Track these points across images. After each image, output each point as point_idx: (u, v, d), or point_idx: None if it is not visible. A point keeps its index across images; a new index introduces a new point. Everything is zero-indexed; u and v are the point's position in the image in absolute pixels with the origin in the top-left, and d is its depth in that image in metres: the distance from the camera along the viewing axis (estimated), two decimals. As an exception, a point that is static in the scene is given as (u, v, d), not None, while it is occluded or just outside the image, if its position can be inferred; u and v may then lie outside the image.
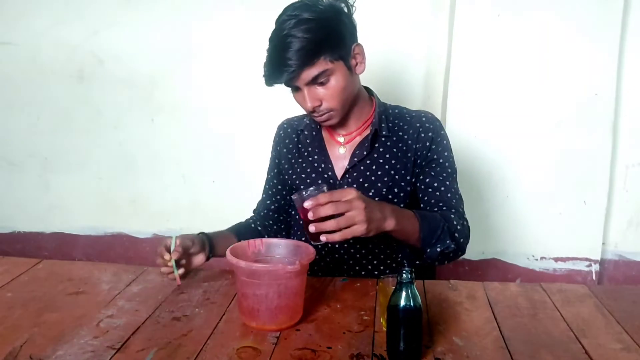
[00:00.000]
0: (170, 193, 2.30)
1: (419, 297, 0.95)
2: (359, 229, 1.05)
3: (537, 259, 2.04)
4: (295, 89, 1.26)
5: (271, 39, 1.22)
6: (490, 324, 1.10)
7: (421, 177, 1.35)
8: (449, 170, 1.36)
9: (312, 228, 1.04)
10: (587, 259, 2.01)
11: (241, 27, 2.11)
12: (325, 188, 1.09)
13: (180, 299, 1.20)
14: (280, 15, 1.22)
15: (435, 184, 1.34)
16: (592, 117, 1.92)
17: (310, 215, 1.04)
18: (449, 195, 1.33)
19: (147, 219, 2.33)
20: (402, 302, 0.94)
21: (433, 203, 1.33)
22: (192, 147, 2.26)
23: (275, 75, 1.21)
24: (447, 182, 1.34)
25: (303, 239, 1.43)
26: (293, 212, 1.52)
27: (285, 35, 1.17)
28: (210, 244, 1.35)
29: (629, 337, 1.06)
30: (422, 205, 1.35)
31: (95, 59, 2.23)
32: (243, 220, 1.55)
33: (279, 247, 1.19)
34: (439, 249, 1.23)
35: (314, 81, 1.22)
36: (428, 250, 1.23)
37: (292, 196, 1.11)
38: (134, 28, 2.19)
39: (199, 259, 1.32)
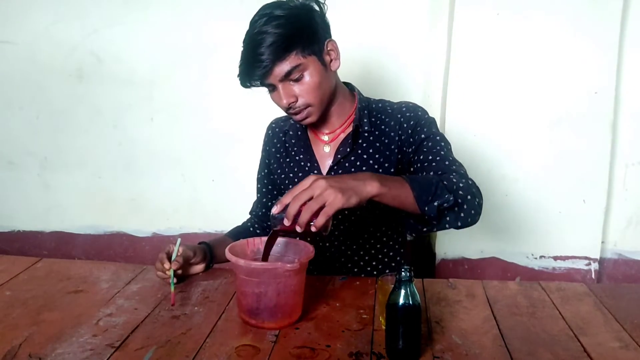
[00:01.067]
0: (169, 192, 2.30)
1: (417, 295, 0.95)
2: (335, 201, 0.98)
3: (536, 258, 2.04)
4: (271, 89, 1.26)
5: (244, 39, 1.23)
6: (489, 323, 1.10)
7: (416, 158, 1.31)
8: (442, 144, 1.30)
9: (298, 229, 1.00)
10: (586, 258, 2.01)
11: (241, 27, 2.10)
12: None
13: (180, 298, 1.20)
14: (253, 16, 1.23)
15: (430, 157, 1.28)
16: (592, 115, 1.92)
17: (286, 222, 1.01)
18: (447, 162, 1.26)
19: (147, 218, 2.33)
20: (401, 301, 0.94)
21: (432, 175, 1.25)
22: (192, 146, 2.26)
23: (249, 73, 1.21)
24: (442, 152, 1.28)
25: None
26: None
27: (257, 33, 1.18)
28: (210, 253, 1.36)
29: (628, 336, 1.06)
30: None
31: (95, 58, 2.23)
32: (240, 223, 1.55)
33: (278, 245, 1.18)
34: (436, 204, 1.11)
35: (287, 77, 1.22)
36: (426, 208, 1.11)
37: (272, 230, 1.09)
38: (133, 27, 2.19)
39: (198, 268, 1.34)
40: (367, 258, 1.41)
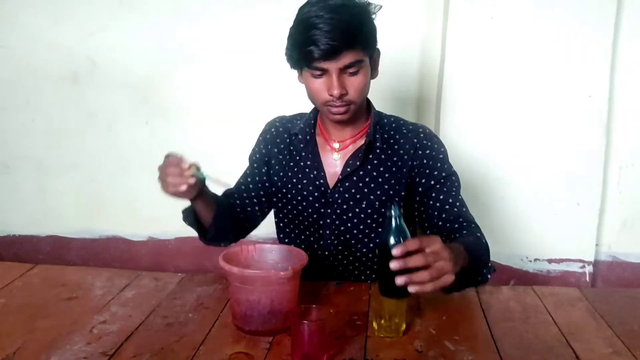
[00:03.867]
0: (165, 196, 2.29)
1: (407, 231, 0.97)
2: (448, 279, 0.96)
3: (530, 261, 2.04)
4: (320, 75, 1.21)
5: (301, 20, 1.18)
6: (482, 328, 1.11)
7: (433, 195, 1.31)
8: (456, 184, 1.34)
9: (400, 280, 0.93)
10: (580, 261, 2.02)
11: (236, 30, 2.11)
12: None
13: (174, 305, 1.20)
14: (306, 4, 1.19)
15: (451, 200, 1.31)
16: (586, 118, 1.93)
17: (394, 266, 0.93)
18: (464, 209, 1.31)
19: (142, 222, 2.32)
20: (392, 240, 0.95)
21: (452, 219, 1.29)
22: (187, 149, 2.24)
23: (310, 53, 1.16)
24: (459, 197, 1.33)
25: (287, 240, 1.44)
26: (279, 213, 1.47)
27: (320, 17, 1.14)
28: (208, 195, 1.36)
29: (620, 341, 1.07)
30: (439, 222, 1.30)
31: (90, 61, 2.23)
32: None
33: (272, 252, 1.19)
34: (488, 275, 1.21)
35: (348, 68, 1.20)
36: (479, 279, 1.20)
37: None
38: (128, 30, 2.18)
39: (192, 191, 1.32)
40: (362, 262, 1.40)
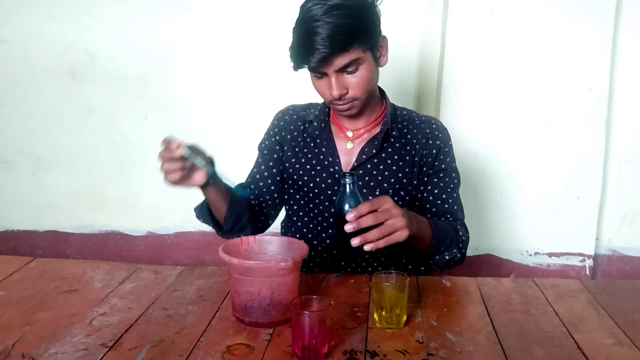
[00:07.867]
0: (163, 191, 2.27)
1: (360, 197, 1.04)
2: (401, 235, 1.06)
3: (530, 255, 2.04)
4: (320, 76, 1.23)
5: (300, 23, 1.19)
6: (483, 320, 1.11)
7: (429, 187, 1.36)
8: (455, 181, 1.38)
9: (355, 242, 1.03)
10: (580, 254, 2.02)
11: (235, 25, 2.11)
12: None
13: (174, 297, 1.20)
14: (308, 1, 1.18)
15: (444, 196, 1.35)
16: (586, 112, 1.92)
17: (349, 228, 1.03)
18: (455, 207, 1.36)
19: (141, 216, 2.32)
20: (347, 206, 1.05)
21: (440, 213, 1.35)
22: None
23: (305, 59, 1.18)
24: (454, 194, 1.37)
25: (297, 235, 1.43)
26: (293, 203, 1.45)
27: (318, 20, 1.14)
28: (214, 170, 1.24)
29: (622, 332, 1.06)
30: (428, 214, 1.36)
31: (88, 56, 2.22)
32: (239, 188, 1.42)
33: (272, 244, 1.19)
34: (447, 257, 1.27)
35: (344, 69, 1.20)
36: (437, 257, 1.27)
37: None
38: (126, 25, 2.18)
39: (199, 177, 1.23)
40: (366, 257, 1.40)
